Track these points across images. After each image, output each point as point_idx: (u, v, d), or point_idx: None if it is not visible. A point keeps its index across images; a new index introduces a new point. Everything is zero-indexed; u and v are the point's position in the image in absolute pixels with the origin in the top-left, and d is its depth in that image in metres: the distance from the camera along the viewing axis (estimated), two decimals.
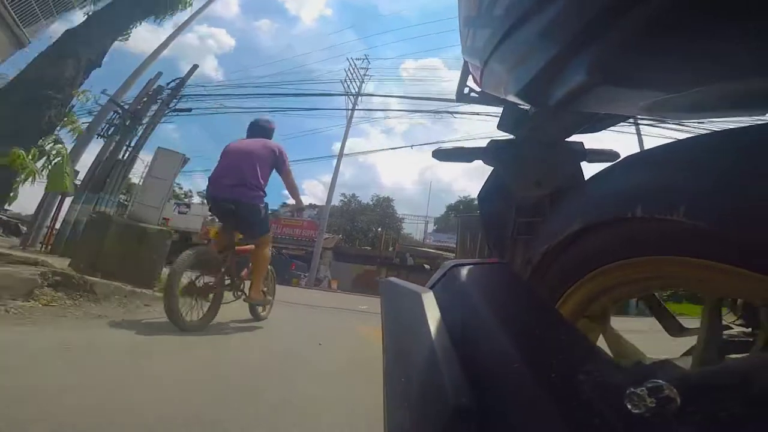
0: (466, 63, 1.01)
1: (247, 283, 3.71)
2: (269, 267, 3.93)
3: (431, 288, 0.55)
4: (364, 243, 32.22)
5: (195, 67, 18.79)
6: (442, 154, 1.11)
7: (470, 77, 1.08)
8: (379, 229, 35.87)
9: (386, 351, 0.52)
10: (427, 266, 25.67)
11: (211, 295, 3.39)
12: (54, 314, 3.17)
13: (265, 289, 3.86)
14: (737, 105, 0.48)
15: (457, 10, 0.85)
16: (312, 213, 28.72)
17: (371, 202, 41.10)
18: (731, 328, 0.55)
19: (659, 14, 0.38)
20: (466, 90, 1.14)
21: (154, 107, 15.99)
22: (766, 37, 0.34)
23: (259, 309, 4.13)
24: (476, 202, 1.00)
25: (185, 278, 3.29)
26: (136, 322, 3.29)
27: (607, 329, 0.62)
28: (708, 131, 0.47)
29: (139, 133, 15.00)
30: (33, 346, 2.26)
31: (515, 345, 0.40)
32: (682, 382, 0.30)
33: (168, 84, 17.17)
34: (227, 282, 3.53)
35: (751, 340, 0.50)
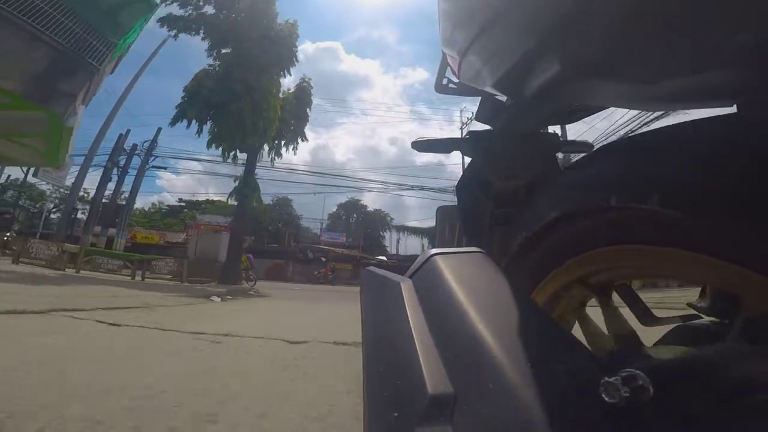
0: (444, 55, 1.00)
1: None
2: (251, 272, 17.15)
3: (410, 277, 0.54)
4: (269, 239, 37.99)
5: (159, 129, 26.35)
6: (421, 145, 1.10)
7: (449, 69, 1.08)
8: (280, 224, 43.21)
9: (365, 339, 0.52)
10: (323, 258, 36.20)
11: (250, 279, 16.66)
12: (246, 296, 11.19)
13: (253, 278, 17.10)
14: (707, 96, 0.49)
15: (437, 2, 0.84)
16: (227, 220, 32.47)
17: (271, 202, 44.60)
18: (702, 317, 0.57)
19: (631, 7, 0.38)
20: (445, 81, 1.14)
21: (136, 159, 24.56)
22: (734, 30, 0.35)
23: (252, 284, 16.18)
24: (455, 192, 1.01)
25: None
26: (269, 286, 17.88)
27: (585, 317, 0.63)
28: (681, 121, 0.48)
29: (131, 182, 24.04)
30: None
31: (492, 334, 0.40)
32: (654, 372, 0.31)
33: (143, 143, 24.90)
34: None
35: (722, 329, 0.51)
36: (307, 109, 18.86)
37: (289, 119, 17.64)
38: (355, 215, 49.71)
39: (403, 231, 46.29)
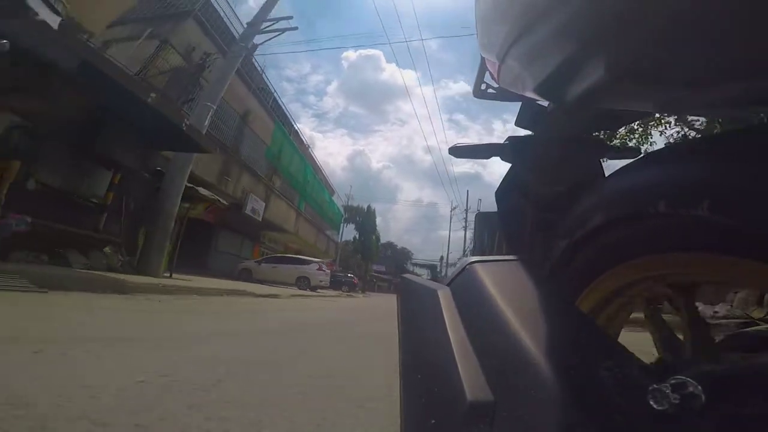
0: (483, 59, 1.00)
1: None
2: None
3: (448, 285, 0.55)
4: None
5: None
6: (458, 151, 1.10)
7: (488, 74, 1.07)
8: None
9: (403, 346, 0.52)
10: (374, 280, 55.15)
11: None
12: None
13: None
14: (755, 101, 0.46)
15: (474, 6, 0.84)
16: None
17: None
18: (758, 324, 0.54)
19: (678, 12, 0.37)
20: (483, 86, 1.13)
21: None
22: None
23: None
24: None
25: None
26: None
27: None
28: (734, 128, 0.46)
29: None
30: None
31: (533, 342, 0.40)
32: (706, 379, 0.30)
33: None
34: None
35: None
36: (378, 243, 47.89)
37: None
38: (389, 251, 74.72)
39: (416, 265, 74.28)
